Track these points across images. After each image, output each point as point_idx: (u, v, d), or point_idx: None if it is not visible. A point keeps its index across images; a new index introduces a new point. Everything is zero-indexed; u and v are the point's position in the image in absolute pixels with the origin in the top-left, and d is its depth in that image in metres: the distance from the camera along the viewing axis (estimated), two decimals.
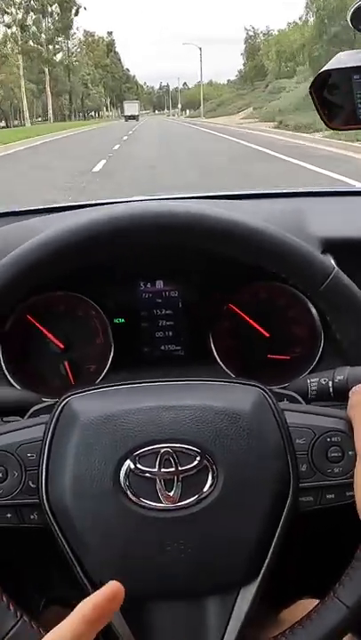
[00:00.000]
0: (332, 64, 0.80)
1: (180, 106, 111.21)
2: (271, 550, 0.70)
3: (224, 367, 1.00)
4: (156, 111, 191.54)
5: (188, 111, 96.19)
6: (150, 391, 0.76)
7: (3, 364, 0.97)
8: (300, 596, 0.90)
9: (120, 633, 0.70)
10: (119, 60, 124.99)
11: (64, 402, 0.73)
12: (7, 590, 0.70)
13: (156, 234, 0.74)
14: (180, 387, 0.77)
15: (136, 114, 75.29)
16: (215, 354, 1.01)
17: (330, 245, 1.01)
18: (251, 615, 0.71)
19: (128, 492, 0.68)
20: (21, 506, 0.70)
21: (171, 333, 1.06)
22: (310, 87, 0.81)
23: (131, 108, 78.16)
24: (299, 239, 0.75)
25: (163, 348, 1.06)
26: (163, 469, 0.68)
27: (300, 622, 0.70)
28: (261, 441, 0.70)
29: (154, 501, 0.68)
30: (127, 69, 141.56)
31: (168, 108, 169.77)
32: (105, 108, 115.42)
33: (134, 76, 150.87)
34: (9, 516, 0.70)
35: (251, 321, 1.01)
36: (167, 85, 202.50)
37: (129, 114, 75.20)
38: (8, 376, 0.97)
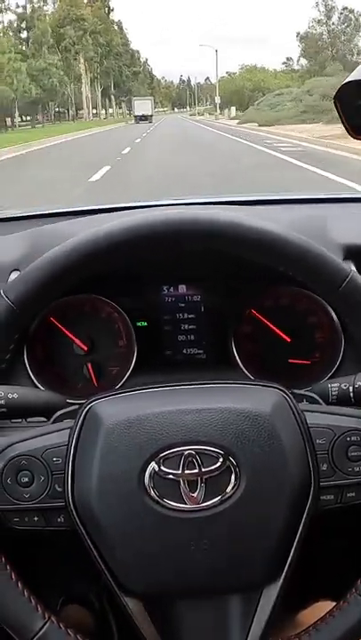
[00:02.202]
0: (355, 75, 0.79)
1: (218, 100, 69.06)
2: (293, 549, 0.71)
3: (245, 371, 1.01)
4: (176, 109, 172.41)
5: (232, 110, 61.45)
6: (172, 395, 0.77)
7: (27, 365, 0.99)
8: (316, 598, 0.91)
9: (145, 631, 0.71)
10: (120, 28, 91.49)
11: (88, 407, 0.75)
12: (32, 591, 0.72)
13: (184, 241, 0.75)
14: (201, 390, 0.78)
15: (149, 114, 63.50)
16: (237, 358, 1.02)
17: (352, 252, 1.02)
18: (274, 615, 0.72)
19: (153, 494, 0.69)
20: (48, 509, 0.72)
21: (193, 337, 1.07)
22: (334, 97, 0.81)
23: (142, 106, 65.38)
24: (318, 244, 0.76)
25: (185, 351, 1.07)
26: (186, 471, 0.70)
27: (323, 619, 0.71)
28: (283, 441, 0.71)
29: (178, 502, 0.70)
30: (136, 51, 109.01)
31: (190, 105, 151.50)
32: (89, 105, 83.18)
33: (145, 61, 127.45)
34: (36, 519, 0.72)
35: (272, 326, 1.03)
36: (188, 79, 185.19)
37: (140, 113, 63.30)
38: (32, 377, 0.98)
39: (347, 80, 0.80)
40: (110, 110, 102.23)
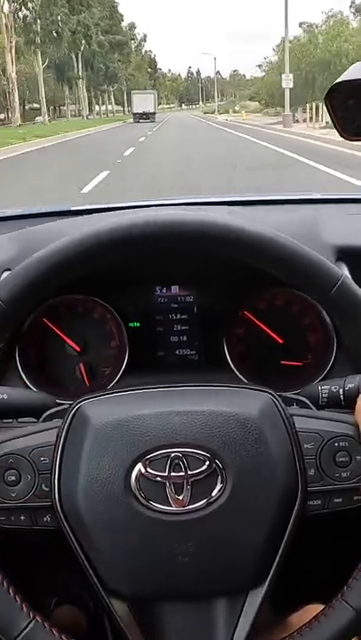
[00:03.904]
0: (348, 75, 0.80)
1: (289, 82, 29.52)
2: (279, 554, 0.71)
3: (237, 372, 1.00)
4: (184, 105, 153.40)
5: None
6: (161, 396, 0.77)
7: (19, 365, 0.99)
8: (307, 601, 0.91)
9: (130, 633, 0.71)
10: None
11: (76, 407, 0.75)
12: (18, 590, 0.72)
13: (166, 241, 0.75)
14: (189, 392, 0.78)
15: (151, 111, 52.07)
16: (229, 359, 1.01)
17: (344, 254, 1.01)
18: (259, 619, 0.72)
19: (138, 496, 0.69)
20: (35, 508, 0.72)
21: (185, 338, 1.06)
22: (325, 97, 0.81)
23: (142, 101, 53.28)
24: (310, 247, 0.76)
25: (177, 352, 1.06)
26: (173, 473, 0.69)
27: (308, 624, 0.71)
28: (270, 445, 0.71)
29: (164, 505, 0.69)
30: (131, 24, 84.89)
31: (205, 100, 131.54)
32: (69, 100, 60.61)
33: (143, 38, 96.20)
34: (22, 518, 0.72)
35: (265, 327, 1.02)
36: (198, 72, 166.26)
37: (139, 110, 51.97)
38: (24, 377, 0.98)
39: (339, 80, 0.80)
40: (105, 107, 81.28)
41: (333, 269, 0.74)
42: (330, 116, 0.82)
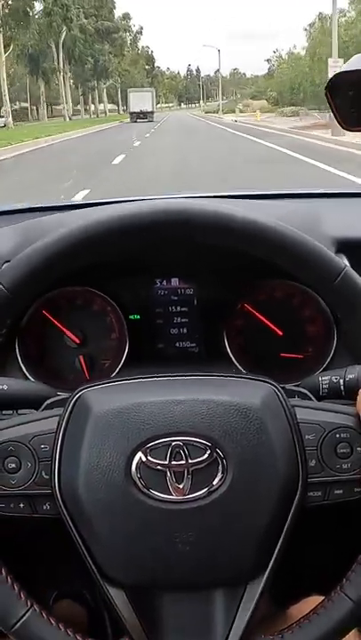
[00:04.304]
0: (348, 66, 0.81)
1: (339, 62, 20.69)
2: (279, 544, 0.71)
3: (237, 364, 1.00)
4: (183, 104, 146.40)
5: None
6: (162, 385, 0.77)
7: (19, 357, 0.99)
8: (308, 592, 0.92)
9: (128, 623, 0.71)
10: None
11: (77, 395, 0.74)
12: (20, 583, 0.72)
13: (172, 229, 0.75)
14: (191, 381, 0.78)
15: (149, 110, 49.94)
16: (229, 351, 1.01)
17: (344, 246, 1.02)
18: (258, 609, 0.72)
19: (139, 484, 0.69)
20: (34, 496, 0.72)
21: (185, 330, 1.06)
22: (325, 88, 0.82)
23: (140, 99, 50.52)
24: (311, 237, 0.77)
25: (177, 344, 1.06)
26: (173, 462, 0.69)
27: (307, 617, 0.72)
28: (271, 436, 0.71)
29: (164, 493, 0.69)
30: (126, 14, 75.40)
31: (206, 99, 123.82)
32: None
33: (139, 30, 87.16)
34: (22, 505, 0.72)
35: (265, 320, 1.02)
36: (198, 70, 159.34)
37: (137, 109, 49.46)
38: (24, 369, 0.98)
39: (339, 71, 0.81)
40: (96, 106, 73.12)
41: (336, 259, 0.75)
42: (330, 107, 0.82)
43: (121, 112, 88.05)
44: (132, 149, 17.90)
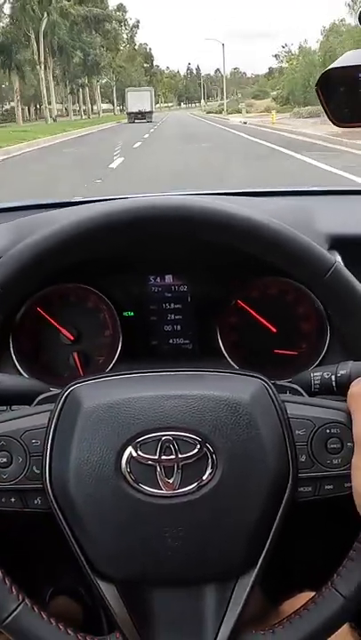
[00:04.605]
0: (339, 62, 0.81)
1: None
2: (269, 539, 0.71)
3: (231, 361, 1.01)
4: (183, 104, 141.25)
5: None
6: (153, 380, 0.78)
7: (13, 354, 1.00)
8: (300, 588, 0.92)
9: (119, 617, 0.72)
10: None
11: (68, 390, 0.75)
12: (15, 579, 0.72)
13: (163, 225, 0.76)
14: (182, 377, 0.79)
15: (147, 110, 47.36)
16: (222, 348, 1.02)
17: (336, 242, 1.03)
18: (249, 603, 0.72)
19: (129, 479, 0.70)
20: (25, 490, 0.72)
21: (179, 327, 1.07)
22: (316, 85, 0.83)
23: (138, 99, 47.94)
24: (304, 234, 0.77)
25: (171, 341, 1.07)
26: (163, 457, 0.70)
27: (298, 612, 0.72)
28: (261, 431, 0.71)
29: (154, 488, 0.70)
30: (120, 5, 69.53)
31: (207, 99, 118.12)
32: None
33: (136, 24, 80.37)
34: (13, 500, 0.72)
35: (258, 316, 1.03)
36: (198, 68, 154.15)
37: (135, 109, 47.03)
38: (18, 366, 0.99)
39: (330, 67, 0.81)
40: (88, 106, 67.07)
41: (327, 255, 0.75)
42: (321, 103, 0.82)
43: (117, 112, 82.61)
44: (107, 174, 11.30)
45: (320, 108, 0.81)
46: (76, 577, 0.73)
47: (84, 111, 61.96)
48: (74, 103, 61.52)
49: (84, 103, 62.88)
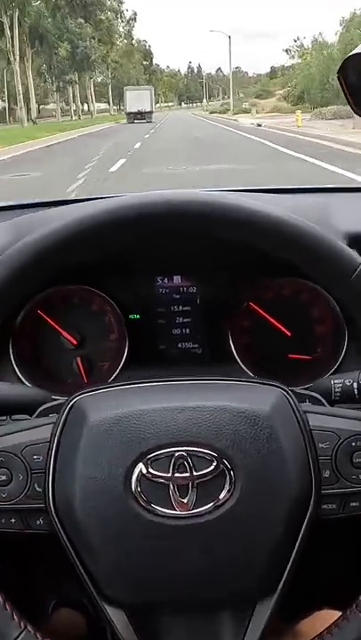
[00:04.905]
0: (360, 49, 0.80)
1: None
2: (291, 561, 0.67)
3: (243, 366, 0.97)
4: (183, 104, 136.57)
5: None
6: (164, 391, 0.73)
7: (13, 360, 0.96)
8: (318, 606, 0.88)
9: None
10: None
11: (73, 401, 0.71)
12: (16, 591, 0.69)
13: (173, 221, 0.72)
14: (195, 386, 0.74)
15: (147, 109, 44.67)
16: (234, 352, 0.98)
17: (355, 240, 0.98)
18: (268, 629, 0.68)
19: (139, 498, 0.65)
20: (27, 510, 0.68)
21: (188, 331, 1.01)
22: (338, 72, 0.80)
23: (137, 98, 45.50)
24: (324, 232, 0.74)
25: (180, 345, 1.02)
26: (177, 474, 0.65)
27: (320, 635, 0.68)
28: (282, 445, 0.67)
29: (167, 508, 0.65)
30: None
31: (209, 98, 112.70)
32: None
33: (133, 17, 72.86)
34: (13, 521, 0.68)
35: (271, 319, 0.98)
36: (199, 67, 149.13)
37: (134, 109, 44.47)
38: (18, 373, 0.95)
39: (352, 53, 0.78)
40: (77, 105, 61.07)
41: (353, 254, 0.72)
42: (343, 90, 0.80)
43: (113, 112, 77.26)
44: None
45: (347, 108, 0.79)
46: (79, 588, 0.69)
47: (75, 111, 56.03)
48: (67, 103, 55.97)
49: (75, 102, 56.74)
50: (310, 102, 43.37)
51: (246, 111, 56.49)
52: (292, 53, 58.44)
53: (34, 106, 38.30)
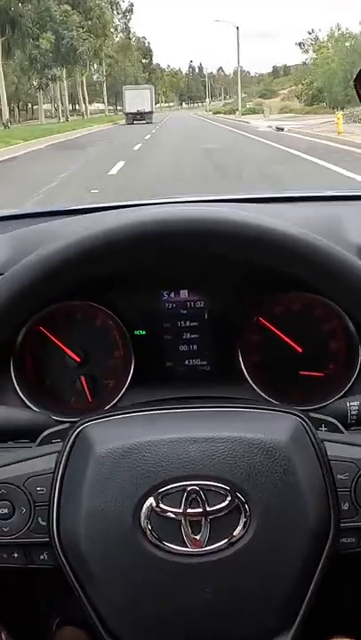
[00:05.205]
0: None
1: None
2: (308, 597, 0.65)
3: (253, 385, 0.94)
4: (185, 104, 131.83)
5: None
6: (175, 419, 0.71)
7: (14, 379, 0.93)
8: (333, 634, 0.88)
9: None
10: None
11: (78, 429, 0.68)
12: (19, 610, 0.69)
13: (182, 240, 0.70)
14: (207, 414, 0.72)
15: (147, 110, 42.91)
16: (244, 370, 0.95)
17: None
18: None
19: (149, 534, 0.63)
20: (30, 545, 0.66)
21: (196, 347, 0.98)
22: (355, 80, 0.79)
23: (136, 98, 43.33)
24: (335, 245, 0.73)
25: (187, 362, 0.98)
26: (189, 509, 0.63)
27: None
28: (299, 477, 0.65)
29: (178, 545, 0.63)
30: None
31: (208, 97, 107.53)
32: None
33: (128, 10, 64.83)
34: (16, 555, 0.66)
35: (282, 335, 0.96)
36: (200, 67, 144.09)
37: (134, 110, 42.83)
38: (19, 392, 0.92)
39: None
40: (62, 104, 55.09)
41: None
42: (359, 99, 0.78)
43: (112, 112, 71.69)
44: None
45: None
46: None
47: (64, 112, 50.06)
48: (55, 102, 50.07)
49: (62, 102, 50.64)
50: (331, 101, 37.94)
51: (255, 111, 50.95)
52: (306, 47, 52.77)
53: (4, 107, 32.04)
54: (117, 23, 61.65)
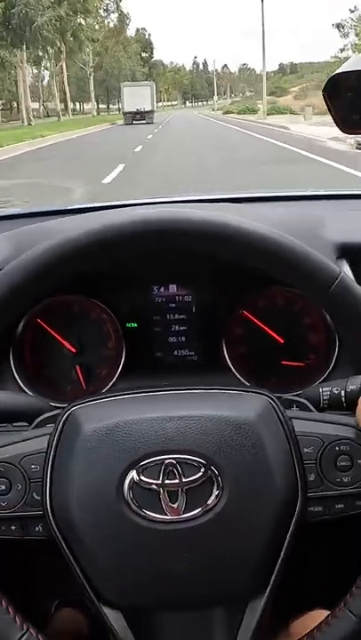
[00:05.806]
0: (346, 67, 0.80)
1: None
2: (279, 562, 0.70)
3: (236, 373, 0.99)
4: (188, 102, 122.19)
5: None
6: (154, 401, 0.77)
7: (13, 368, 0.98)
8: (310, 607, 0.91)
9: None
10: None
11: (68, 412, 0.74)
12: (18, 593, 0.72)
13: (155, 239, 0.75)
14: (184, 396, 0.77)
15: (147, 109, 40.02)
16: (228, 360, 1.00)
17: (346, 251, 1.01)
18: (260, 628, 0.71)
19: (132, 504, 0.69)
20: (26, 518, 0.71)
21: (184, 338, 1.05)
22: (323, 90, 0.81)
23: (136, 95, 39.91)
24: (311, 244, 0.76)
25: (176, 353, 1.05)
26: (167, 481, 0.69)
27: (310, 634, 0.71)
28: (268, 450, 0.70)
29: (158, 513, 0.68)
30: None
31: (215, 95, 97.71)
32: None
33: None
34: (13, 528, 0.72)
35: (265, 327, 1.01)
36: (205, 63, 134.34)
37: (133, 109, 40.04)
38: (18, 380, 0.98)
39: (336, 72, 0.79)
40: (28, 104, 44.14)
41: (331, 266, 0.74)
42: (328, 109, 0.81)
43: (102, 112, 61.72)
44: None
45: None
46: (80, 590, 0.74)
47: (34, 114, 38.72)
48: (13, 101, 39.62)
49: (25, 99, 38.25)
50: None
51: (280, 111, 40.77)
52: (347, 30, 42.52)
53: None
54: (107, 1, 51.37)
